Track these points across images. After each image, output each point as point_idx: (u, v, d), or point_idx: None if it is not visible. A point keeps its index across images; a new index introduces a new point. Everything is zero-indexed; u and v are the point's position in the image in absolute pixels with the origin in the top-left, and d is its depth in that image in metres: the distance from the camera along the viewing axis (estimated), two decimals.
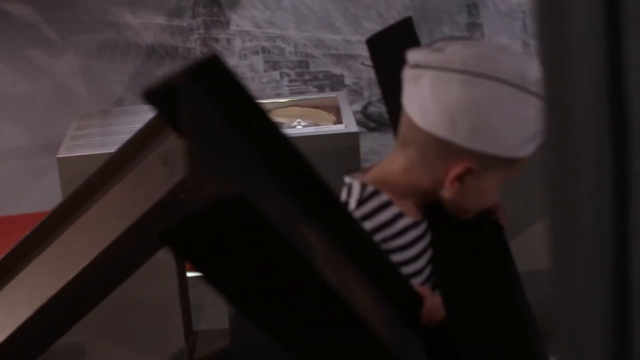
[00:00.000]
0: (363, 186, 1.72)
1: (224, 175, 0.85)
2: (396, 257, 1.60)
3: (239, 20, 4.94)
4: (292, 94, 4.99)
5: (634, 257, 0.65)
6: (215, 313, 3.87)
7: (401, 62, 1.82)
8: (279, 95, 4.96)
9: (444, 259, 1.60)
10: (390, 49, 1.83)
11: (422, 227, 1.71)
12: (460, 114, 1.53)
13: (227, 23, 4.93)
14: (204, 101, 0.90)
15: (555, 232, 0.69)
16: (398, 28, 1.88)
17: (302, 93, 4.95)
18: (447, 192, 1.63)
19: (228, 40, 4.95)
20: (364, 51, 5.38)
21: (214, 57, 0.88)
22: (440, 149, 1.59)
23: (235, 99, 0.93)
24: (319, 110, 3.73)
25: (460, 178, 1.59)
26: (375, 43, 1.87)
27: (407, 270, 1.58)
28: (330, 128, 3.53)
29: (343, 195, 1.74)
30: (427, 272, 1.67)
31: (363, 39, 5.33)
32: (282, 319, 0.89)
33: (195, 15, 4.89)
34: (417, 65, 1.59)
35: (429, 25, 5.20)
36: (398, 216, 1.67)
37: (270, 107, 3.68)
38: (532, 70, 1.51)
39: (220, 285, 0.87)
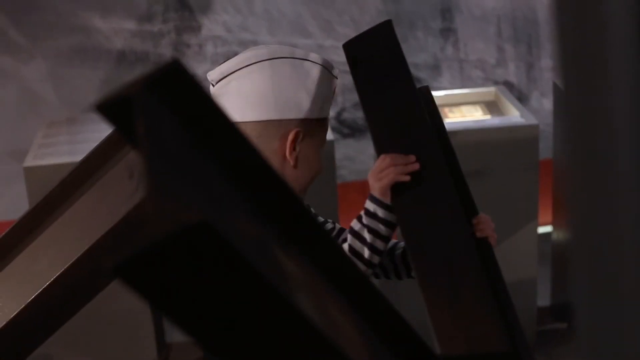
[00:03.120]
0: None
1: (185, 199, 0.77)
2: None
3: (210, 25, 4.86)
4: None
5: None
6: None
7: (380, 66, 1.76)
8: None
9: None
10: (369, 52, 1.78)
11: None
12: (266, 96, 1.81)
13: (199, 28, 4.85)
14: (162, 114, 0.82)
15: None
16: (376, 32, 1.82)
17: None
18: (290, 162, 1.84)
19: (200, 46, 4.88)
20: (337, 56, 5.33)
21: (174, 63, 0.81)
22: (267, 130, 1.83)
23: (199, 110, 0.85)
24: None
25: (293, 143, 1.83)
26: (353, 47, 1.80)
27: None
28: None
29: None
30: None
31: (336, 43, 5.29)
32: (256, 357, 0.81)
33: (166, 20, 4.81)
34: (221, 79, 1.88)
35: (403, 31, 5.15)
36: None
37: None
38: (293, 50, 1.86)
39: (184, 324, 0.79)
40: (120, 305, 3.23)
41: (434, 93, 3.89)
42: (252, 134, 1.82)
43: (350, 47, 1.83)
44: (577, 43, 0.56)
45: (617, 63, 0.55)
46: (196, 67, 4.87)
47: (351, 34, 5.06)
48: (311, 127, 1.84)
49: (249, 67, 1.83)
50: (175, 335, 3.78)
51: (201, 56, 4.90)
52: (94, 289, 1.70)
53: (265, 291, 0.76)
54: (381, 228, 1.76)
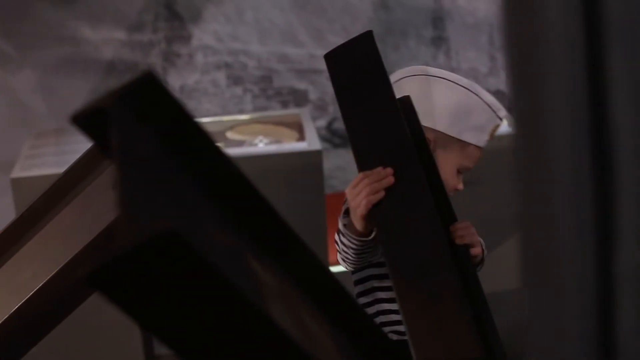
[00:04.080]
0: None
1: (156, 210, 0.76)
2: None
3: (200, 35, 4.85)
4: (255, 109, 4.91)
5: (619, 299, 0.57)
6: None
7: (361, 77, 1.76)
8: (242, 112, 4.87)
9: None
10: (350, 63, 1.77)
11: None
12: (416, 100, 1.96)
13: (189, 37, 4.84)
14: (136, 126, 0.81)
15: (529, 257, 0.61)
16: (358, 43, 1.82)
17: (265, 109, 4.87)
18: None
19: (190, 55, 4.87)
20: None
21: (147, 76, 0.79)
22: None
23: (173, 122, 0.84)
24: (281, 127, 3.65)
25: None
26: (334, 58, 1.80)
27: None
28: (292, 146, 3.45)
29: None
30: None
31: None
32: None
33: (156, 29, 4.79)
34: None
35: (395, 39, 5.14)
36: None
37: (231, 124, 3.59)
38: (466, 79, 2.05)
39: (157, 331, 0.78)
40: (109, 317, 3.21)
41: None
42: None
43: (331, 58, 1.83)
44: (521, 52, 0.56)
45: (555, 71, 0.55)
46: (186, 77, 4.86)
47: (342, 42, 5.06)
48: (446, 141, 2.02)
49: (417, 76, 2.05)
50: (164, 347, 3.75)
51: (191, 66, 4.89)
52: (77, 299, 1.69)
53: (235, 299, 0.75)
54: (345, 242, 1.85)
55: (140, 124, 0.82)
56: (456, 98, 2.00)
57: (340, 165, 4.93)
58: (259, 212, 0.92)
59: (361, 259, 1.87)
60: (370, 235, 1.80)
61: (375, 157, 1.72)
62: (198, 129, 0.85)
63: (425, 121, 1.97)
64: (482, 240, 1.93)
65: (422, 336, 1.46)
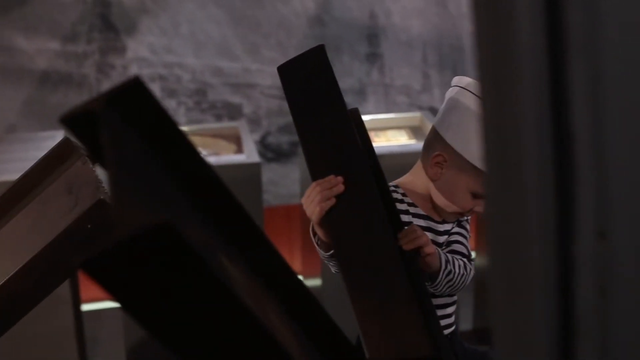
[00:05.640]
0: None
1: (147, 204, 0.81)
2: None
3: (135, 47, 4.86)
4: (189, 122, 4.93)
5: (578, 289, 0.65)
6: (111, 347, 3.78)
7: (313, 89, 1.82)
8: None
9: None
10: (302, 76, 1.83)
11: (430, 223, 2.03)
12: (447, 110, 1.99)
13: (123, 49, 4.85)
14: (124, 127, 0.86)
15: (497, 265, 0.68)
16: (310, 56, 1.88)
17: (200, 122, 4.89)
18: (430, 174, 2.01)
19: (124, 67, 4.87)
20: (263, 80, 5.37)
21: (135, 81, 0.85)
22: (433, 140, 2.02)
23: (157, 125, 0.89)
24: (218, 139, 3.69)
25: (438, 164, 1.99)
26: (287, 70, 1.85)
27: None
28: (231, 158, 3.50)
29: None
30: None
31: (262, 67, 5.33)
32: (206, 350, 0.85)
33: (90, 40, 4.79)
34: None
35: (330, 55, 5.20)
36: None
37: None
38: None
39: (141, 317, 0.83)
40: (44, 328, 3.21)
41: None
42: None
43: (284, 70, 1.88)
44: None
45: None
46: None
47: (277, 57, 5.11)
48: (461, 162, 1.96)
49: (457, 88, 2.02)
50: (98, 358, 3.76)
51: (125, 77, 4.89)
52: (32, 302, 1.71)
53: (218, 289, 0.80)
54: (318, 250, 1.91)
55: (126, 126, 0.87)
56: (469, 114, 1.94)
57: (273, 179, 4.97)
58: (230, 211, 0.98)
59: (336, 270, 1.92)
60: (332, 248, 1.83)
61: (328, 166, 1.78)
62: (179, 132, 0.91)
63: (447, 136, 1.95)
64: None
65: (374, 337, 1.52)
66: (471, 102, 1.95)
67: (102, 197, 1.59)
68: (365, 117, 4.05)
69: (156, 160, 0.92)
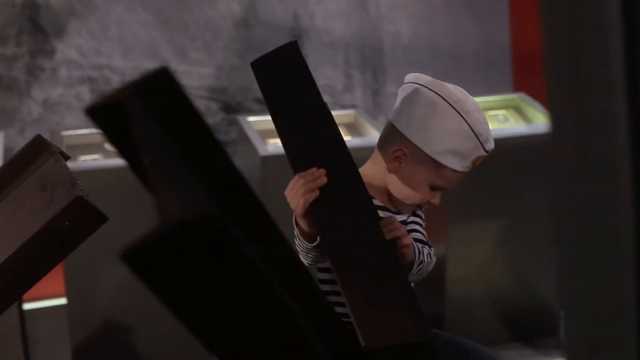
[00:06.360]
0: None
1: (184, 196, 0.86)
2: None
3: (64, 49, 4.86)
4: None
5: None
6: (53, 347, 3.79)
7: (290, 83, 1.87)
8: None
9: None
10: (277, 71, 1.88)
11: (387, 213, 2.05)
12: (405, 107, 2.01)
13: (53, 52, 4.85)
14: (152, 118, 0.92)
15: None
16: (283, 51, 1.92)
17: None
18: (389, 168, 2.03)
19: (53, 69, 4.87)
20: (190, 81, 5.41)
21: (162, 71, 0.91)
22: (391, 135, 2.04)
23: (182, 115, 0.95)
24: None
25: (398, 158, 2.02)
26: (261, 66, 1.90)
27: None
28: None
29: None
30: None
31: (190, 69, 5.37)
32: (240, 343, 0.89)
33: (19, 43, 4.78)
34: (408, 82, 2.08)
35: (255, 56, 5.25)
36: None
37: None
38: (468, 104, 2.01)
39: (181, 313, 0.86)
40: None
41: None
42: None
43: (257, 66, 1.91)
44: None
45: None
46: (50, 91, 4.87)
47: (204, 59, 5.16)
48: (421, 156, 2.00)
49: (416, 85, 2.03)
50: (40, 358, 3.76)
51: (55, 80, 4.90)
52: (8, 301, 1.75)
53: (260, 282, 0.84)
54: (297, 243, 1.93)
55: (153, 116, 0.93)
56: (444, 119, 1.98)
57: None
58: (247, 204, 1.04)
59: (313, 261, 1.95)
60: (316, 238, 1.87)
61: (309, 158, 1.82)
62: (203, 125, 0.97)
63: (406, 131, 1.98)
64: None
65: (368, 325, 1.55)
66: (430, 99, 1.99)
67: (79, 194, 1.64)
68: None
69: (178, 152, 0.98)
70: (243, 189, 1.03)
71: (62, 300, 3.58)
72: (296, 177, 1.83)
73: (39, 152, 1.76)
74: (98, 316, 3.38)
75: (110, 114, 0.94)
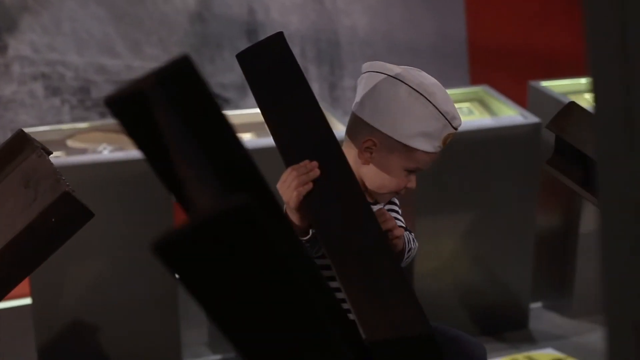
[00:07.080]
0: None
1: (210, 188, 0.85)
2: None
3: (17, 45, 4.78)
4: (73, 120, 4.88)
5: None
6: (18, 347, 3.73)
7: (277, 76, 1.85)
8: (60, 122, 4.83)
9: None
10: (264, 63, 1.87)
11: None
12: (367, 96, 2.01)
13: (5, 48, 4.76)
14: (172, 108, 0.90)
15: None
16: (269, 43, 1.90)
17: (85, 120, 4.84)
18: (361, 160, 2.03)
19: (6, 66, 4.79)
20: None
21: (183, 60, 0.89)
22: (357, 127, 2.03)
23: (201, 105, 0.93)
24: (123, 134, 3.69)
25: (369, 149, 2.02)
26: (246, 58, 1.88)
27: None
28: (137, 153, 3.50)
29: None
30: None
31: (145, 64, 5.32)
32: (264, 339, 0.88)
33: None
34: (363, 72, 2.08)
35: (211, 51, 5.25)
36: None
37: (71, 133, 3.61)
38: (430, 85, 2.01)
39: (207, 302, 0.85)
40: None
41: (241, 112, 3.97)
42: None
43: (243, 58, 1.90)
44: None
45: None
46: (3, 88, 4.78)
47: (159, 54, 5.12)
48: (391, 144, 2.00)
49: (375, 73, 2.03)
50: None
51: (8, 76, 4.82)
52: None
53: (290, 277, 0.83)
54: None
55: (174, 106, 0.91)
56: (408, 103, 1.98)
57: None
58: (264, 201, 1.03)
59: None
60: (308, 231, 1.85)
61: (301, 150, 1.81)
62: (221, 114, 0.96)
63: (372, 120, 1.98)
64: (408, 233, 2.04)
65: (369, 317, 1.55)
66: (391, 85, 1.99)
67: (66, 190, 1.61)
68: (250, 111, 4.10)
69: (197, 143, 0.96)
70: (257, 179, 1.01)
71: (27, 300, 3.52)
72: (289, 169, 1.82)
73: (21, 147, 1.72)
74: (64, 316, 3.33)
75: (130, 105, 0.92)
